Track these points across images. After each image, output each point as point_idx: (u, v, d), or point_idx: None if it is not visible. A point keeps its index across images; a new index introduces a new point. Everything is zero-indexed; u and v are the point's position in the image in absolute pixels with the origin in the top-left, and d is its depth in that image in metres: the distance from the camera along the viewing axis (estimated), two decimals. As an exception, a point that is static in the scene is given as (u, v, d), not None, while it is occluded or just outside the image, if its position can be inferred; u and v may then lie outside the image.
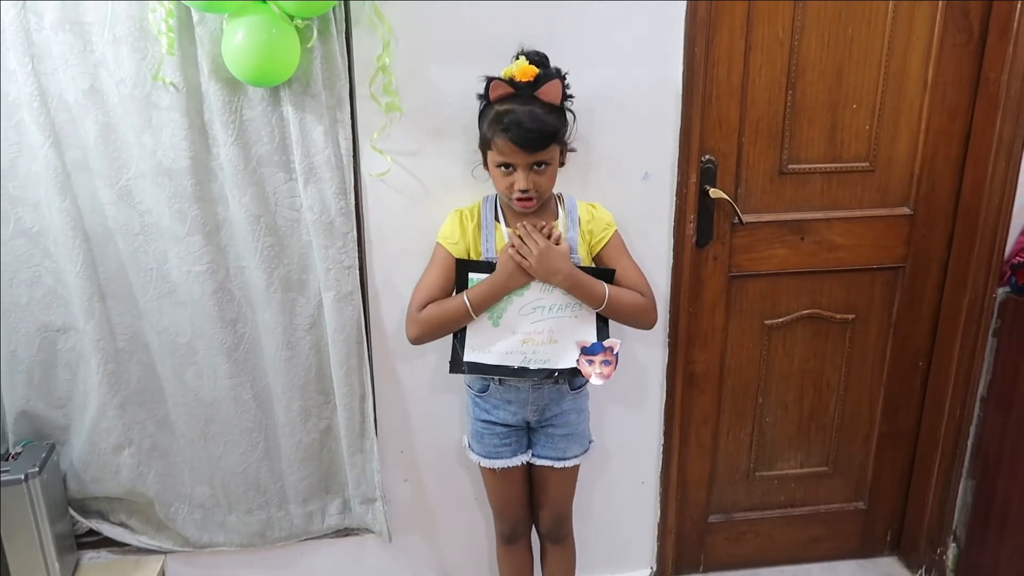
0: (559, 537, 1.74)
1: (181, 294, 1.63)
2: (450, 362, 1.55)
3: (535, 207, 1.47)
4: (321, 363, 1.72)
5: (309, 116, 1.51)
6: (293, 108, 1.50)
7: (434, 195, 1.64)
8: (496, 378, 1.55)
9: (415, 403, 1.81)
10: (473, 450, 1.65)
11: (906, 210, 1.86)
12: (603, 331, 1.54)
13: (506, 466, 1.62)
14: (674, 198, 1.74)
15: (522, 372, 1.51)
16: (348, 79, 1.54)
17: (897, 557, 2.18)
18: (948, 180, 1.84)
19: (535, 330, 1.50)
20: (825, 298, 1.91)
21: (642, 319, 1.57)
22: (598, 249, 1.57)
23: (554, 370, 1.52)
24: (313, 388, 1.73)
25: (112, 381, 1.66)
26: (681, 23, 1.62)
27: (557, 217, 1.54)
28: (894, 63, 1.74)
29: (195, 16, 1.44)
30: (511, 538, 1.73)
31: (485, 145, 1.46)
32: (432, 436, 1.84)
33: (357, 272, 1.64)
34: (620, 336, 1.55)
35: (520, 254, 1.45)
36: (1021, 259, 1.82)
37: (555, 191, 1.54)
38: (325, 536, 1.88)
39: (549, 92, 1.40)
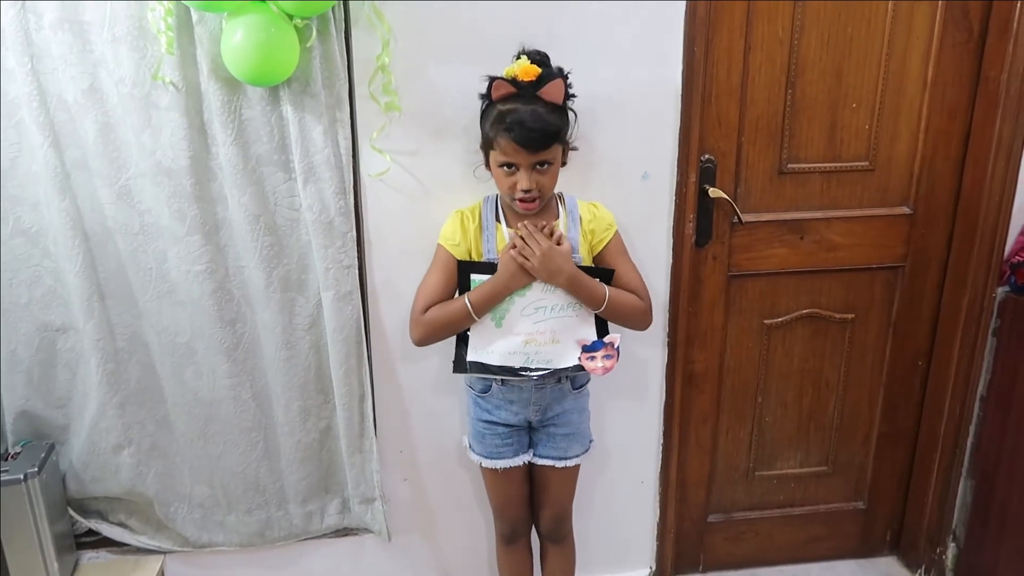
0: (559, 537, 1.74)
1: (180, 294, 1.63)
2: (453, 362, 1.55)
3: (537, 208, 1.47)
4: (320, 363, 1.71)
5: (308, 116, 1.51)
6: (292, 108, 1.50)
7: (433, 195, 1.64)
8: (498, 378, 1.55)
9: (414, 403, 1.81)
10: (474, 450, 1.65)
11: (906, 209, 1.86)
12: (602, 327, 1.54)
13: (508, 466, 1.62)
14: (673, 198, 1.74)
15: (524, 373, 1.51)
16: (347, 79, 1.54)
17: (897, 557, 2.18)
18: (948, 179, 1.84)
19: (537, 330, 1.50)
20: (824, 298, 1.91)
21: (638, 322, 1.58)
22: (599, 249, 1.57)
23: (559, 372, 1.52)
24: (312, 388, 1.73)
25: (111, 381, 1.65)
26: (681, 23, 1.62)
27: (558, 217, 1.54)
28: (894, 62, 1.74)
29: (194, 15, 1.44)
30: (511, 538, 1.73)
31: (487, 145, 1.45)
32: (431, 436, 1.84)
33: (356, 272, 1.64)
34: (617, 334, 1.55)
35: (522, 255, 1.45)
36: (1021, 258, 1.82)
37: (555, 191, 1.53)
38: (324, 536, 1.88)
39: (552, 91, 1.40)
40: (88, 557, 1.82)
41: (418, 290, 1.56)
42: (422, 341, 1.55)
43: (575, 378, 1.59)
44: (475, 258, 1.53)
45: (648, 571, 2.07)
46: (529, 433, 1.64)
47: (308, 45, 1.45)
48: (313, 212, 1.57)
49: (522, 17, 1.55)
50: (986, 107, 1.75)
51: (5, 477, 1.57)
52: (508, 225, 1.52)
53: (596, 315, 1.52)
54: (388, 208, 1.65)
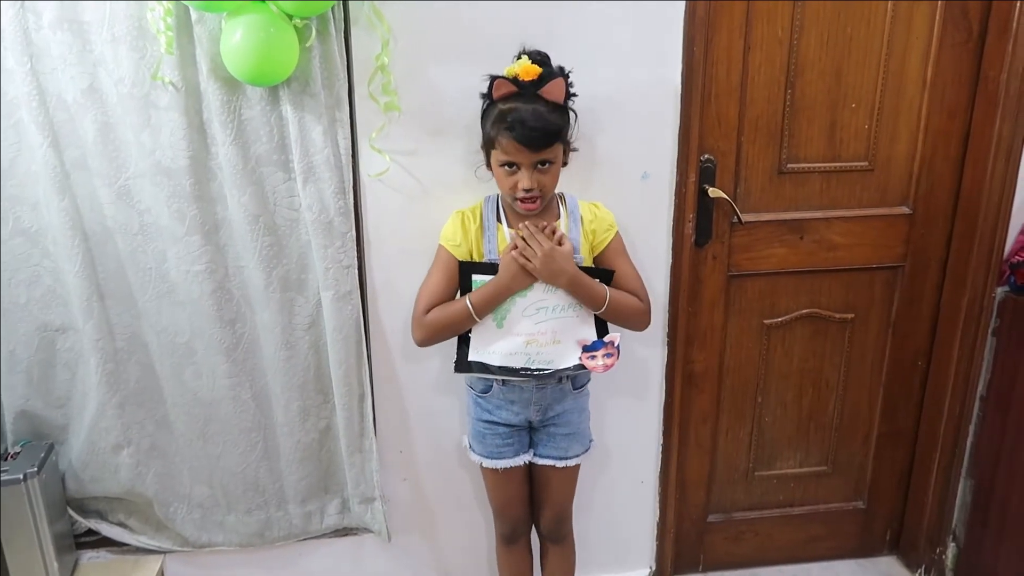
0: (559, 537, 1.74)
1: (180, 294, 1.63)
2: (455, 362, 1.55)
3: (539, 209, 1.47)
4: (320, 363, 1.71)
5: (308, 115, 1.51)
6: (292, 107, 1.50)
7: (433, 195, 1.64)
8: (499, 379, 1.55)
9: (414, 403, 1.81)
10: (474, 451, 1.65)
11: (905, 209, 1.86)
12: (602, 327, 1.54)
13: (508, 466, 1.61)
14: (673, 197, 1.74)
15: (525, 373, 1.51)
16: (347, 78, 1.53)
17: (896, 557, 2.18)
18: (947, 179, 1.85)
19: (539, 331, 1.50)
20: (824, 297, 1.91)
21: (637, 323, 1.58)
22: (600, 250, 1.56)
23: (560, 372, 1.52)
24: (312, 388, 1.73)
25: (111, 381, 1.65)
26: (680, 23, 1.62)
27: (559, 217, 1.54)
28: (893, 62, 1.74)
29: (194, 15, 1.44)
30: (511, 538, 1.73)
31: (489, 144, 1.45)
32: (431, 436, 1.84)
33: (356, 271, 1.64)
34: (617, 333, 1.55)
35: (524, 256, 1.45)
36: (1020, 258, 1.82)
37: (556, 191, 1.53)
38: (324, 536, 1.88)
39: (553, 90, 1.40)
40: (88, 557, 1.82)
41: (420, 291, 1.56)
42: (424, 342, 1.55)
43: (576, 378, 1.59)
44: (476, 258, 1.53)
45: (648, 571, 2.07)
46: (529, 433, 1.63)
47: (307, 45, 1.44)
48: (313, 212, 1.57)
49: (522, 17, 1.55)
50: (985, 107, 1.75)
51: (5, 477, 1.57)
52: (509, 225, 1.52)
53: (595, 315, 1.52)
54: (388, 208, 1.65)
